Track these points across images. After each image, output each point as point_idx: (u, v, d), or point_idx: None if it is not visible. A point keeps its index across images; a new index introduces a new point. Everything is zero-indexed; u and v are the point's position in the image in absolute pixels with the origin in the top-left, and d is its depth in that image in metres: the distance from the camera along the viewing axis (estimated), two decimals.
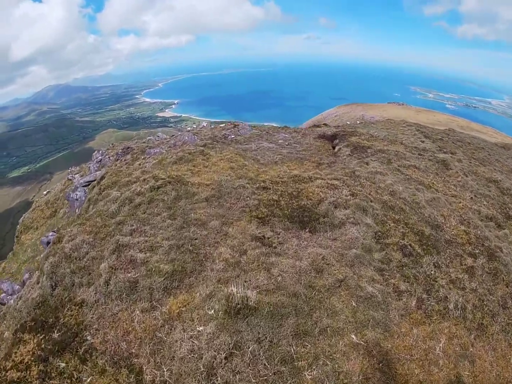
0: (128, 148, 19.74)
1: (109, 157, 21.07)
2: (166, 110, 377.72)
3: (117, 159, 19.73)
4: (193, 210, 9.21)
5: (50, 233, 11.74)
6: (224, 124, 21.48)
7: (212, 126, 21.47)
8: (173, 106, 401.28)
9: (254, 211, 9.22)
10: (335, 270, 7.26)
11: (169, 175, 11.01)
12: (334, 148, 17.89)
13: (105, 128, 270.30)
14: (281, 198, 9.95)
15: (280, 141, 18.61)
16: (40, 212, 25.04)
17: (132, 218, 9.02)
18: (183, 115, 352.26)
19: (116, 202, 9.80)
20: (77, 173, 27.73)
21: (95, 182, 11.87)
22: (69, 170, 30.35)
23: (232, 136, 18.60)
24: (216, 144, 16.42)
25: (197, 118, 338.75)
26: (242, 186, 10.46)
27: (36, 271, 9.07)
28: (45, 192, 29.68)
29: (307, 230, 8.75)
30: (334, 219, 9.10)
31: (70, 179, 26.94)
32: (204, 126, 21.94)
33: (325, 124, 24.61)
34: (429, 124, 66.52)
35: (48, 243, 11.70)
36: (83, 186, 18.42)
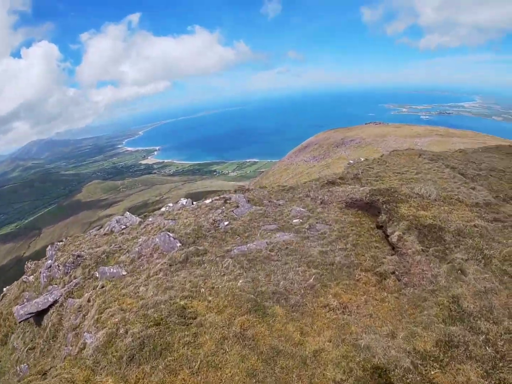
0: (78, 257, 13.62)
1: (58, 266, 14.83)
2: (149, 157, 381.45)
3: (66, 272, 13.86)
4: None
5: None
6: (211, 200, 15.37)
7: (195, 205, 15.28)
8: (155, 152, 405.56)
9: None
10: None
11: None
12: (380, 227, 11.94)
13: (90, 180, 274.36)
14: None
15: (295, 220, 12.63)
16: None
17: None
18: (165, 160, 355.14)
19: None
20: (31, 274, 21.32)
21: None
22: (25, 268, 23.81)
23: (226, 223, 12.52)
24: (204, 251, 10.34)
25: (180, 162, 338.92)
26: None
27: None
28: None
29: None
30: None
31: (25, 281, 20.56)
32: (183, 204, 15.89)
33: (341, 179, 18.74)
34: (409, 136, 64.18)
35: None
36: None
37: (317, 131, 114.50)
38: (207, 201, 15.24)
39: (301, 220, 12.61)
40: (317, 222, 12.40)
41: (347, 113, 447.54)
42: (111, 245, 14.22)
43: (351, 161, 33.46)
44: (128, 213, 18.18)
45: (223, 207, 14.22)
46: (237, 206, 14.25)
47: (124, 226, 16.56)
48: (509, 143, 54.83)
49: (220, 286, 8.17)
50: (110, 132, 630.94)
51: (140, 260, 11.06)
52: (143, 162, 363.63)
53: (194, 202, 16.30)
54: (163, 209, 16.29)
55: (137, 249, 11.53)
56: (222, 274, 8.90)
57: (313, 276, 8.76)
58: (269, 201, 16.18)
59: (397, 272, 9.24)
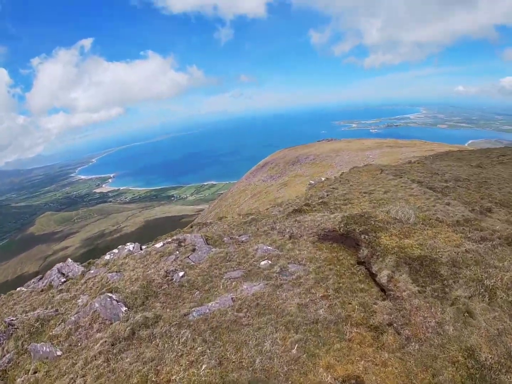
0: (9, 325, 10.97)
1: None
2: (103, 185, 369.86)
3: None
4: None
5: None
6: (162, 244, 13.06)
7: (143, 251, 12.83)
8: (110, 180, 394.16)
9: None
10: None
11: None
12: (361, 263, 10.37)
13: (43, 212, 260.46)
14: None
15: (262, 263, 10.77)
16: None
17: None
18: (121, 188, 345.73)
19: None
20: None
21: None
22: None
23: (181, 274, 10.40)
24: (155, 319, 8.16)
25: (136, 188, 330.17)
26: None
27: None
28: None
29: None
30: None
31: None
32: (130, 250, 13.48)
33: (307, 205, 17.18)
34: (361, 150, 65.83)
35: None
36: None
37: (272, 150, 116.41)
38: (158, 245, 12.97)
39: (270, 262, 10.77)
40: (289, 263, 10.62)
41: (300, 132, 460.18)
42: (46, 308, 11.68)
43: (312, 182, 32.39)
44: (70, 260, 15.58)
45: (177, 252, 12.06)
46: (194, 250, 12.15)
47: (64, 279, 14.00)
48: (457, 148, 57.09)
49: (178, 378, 6.10)
50: (62, 160, 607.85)
51: (77, 333, 8.71)
52: (98, 190, 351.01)
53: (143, 247, 14.00)
54: (107, 256, 13.88)
55: (73, 318, 9.16)
56: (179, 354, 6.80)
57: (296, 345, 6.90)
58: (230, 238, 14.26)
59: (395, 324, 7.61)
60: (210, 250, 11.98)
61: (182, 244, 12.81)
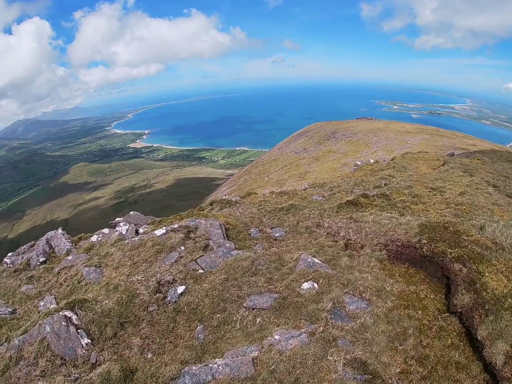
0: None
1: None
2: (137, 141, 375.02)
3: None
4: None
5: None
6: (164, 231, 9.49)
7: (137, 239, 9.23)
8: (144, 136, 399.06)
9: None
10: None
11: None
12: (454, 312, 6.61)
13: (77, 162, 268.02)
14: None
15: (305, 286, 7.15)
16: None
17: None
18: (154, 144, 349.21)
19: None
20: None
21: None
22: None
23: (180, 291, 6.90)
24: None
25: (169, 147, 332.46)
26: None
27: None
28: None
29: None
30: None
31: None
32: (122, 234, 10.03)
33: (365, 197, 13.31)
34: (400, 134, 60.55)
35: None
36: None
37: (308, 122, 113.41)
38: (158, 231, 9.38)
39: (316, 286, 7.14)
40: (345, 293, 6.96)
41: (339, 106, 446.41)
42: (7, 302, 8.67)
43: (358, 163, 28.12)
44: (60, 231, 12.49)
45: (182, 248, 8.49)
46: (206, 246, 8.57)
47: (44, 259, 10.99)
48: (499, 148, 51.40)
49: None
50: (99, 113, 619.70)
51: (17, 369, 5.50)
52: (132, 145, 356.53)
53: (140, 230, 10.54)
54: (93, 238, 10.61)
55: (17, 341, 5.99)
56: None
57: None
58: (259, 230, 10.72)
59: None
60: (229, 252, 8.37)
61: (192, 234, 9.21)
